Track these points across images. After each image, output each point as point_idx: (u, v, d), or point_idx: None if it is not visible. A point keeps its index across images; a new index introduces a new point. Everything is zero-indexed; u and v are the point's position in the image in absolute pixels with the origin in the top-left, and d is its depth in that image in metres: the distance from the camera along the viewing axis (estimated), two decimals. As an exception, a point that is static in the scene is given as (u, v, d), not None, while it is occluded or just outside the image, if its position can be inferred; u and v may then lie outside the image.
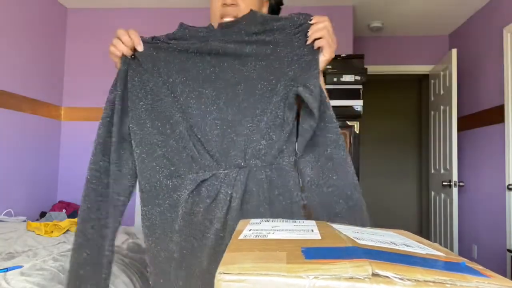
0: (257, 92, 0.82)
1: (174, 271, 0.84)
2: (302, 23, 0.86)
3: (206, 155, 0.82)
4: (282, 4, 1.08)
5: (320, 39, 0.83)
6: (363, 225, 0.71)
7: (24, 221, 2.63)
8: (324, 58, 0.84)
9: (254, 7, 0.92)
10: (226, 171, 0.81)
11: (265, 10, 1.02)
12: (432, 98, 4.06)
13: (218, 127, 0.82)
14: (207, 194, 0.81)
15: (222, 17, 0.92)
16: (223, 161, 0.81)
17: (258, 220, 0.59)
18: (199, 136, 0.82)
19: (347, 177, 0.82)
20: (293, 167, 0.83)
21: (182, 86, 0.85)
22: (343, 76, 2.70)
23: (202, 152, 0.82)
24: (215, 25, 0.90)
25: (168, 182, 0.84)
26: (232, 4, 0.92)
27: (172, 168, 0.84)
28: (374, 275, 0.33)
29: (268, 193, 0.80)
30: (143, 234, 0.89)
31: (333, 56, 0.84)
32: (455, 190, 3.33)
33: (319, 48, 0.84)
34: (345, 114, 2.71)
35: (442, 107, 3.71)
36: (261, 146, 0.81)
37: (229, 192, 0.79)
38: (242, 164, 0.80)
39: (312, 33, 0.84)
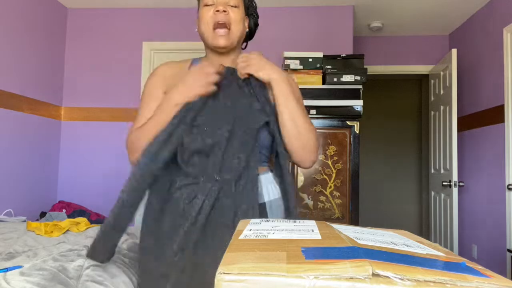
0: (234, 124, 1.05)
1: (152, 245, 1.08)
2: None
3: (190, 168, 1.05)
4: (257, 25, 1.26)
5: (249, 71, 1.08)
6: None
7: (24, 221, 2.63)
8: (274, 85, 1.06)
9: (240, 18, 1.13)
10: (205, 182, 1.02)
11: (246, 24, 1.19)
12: (432, 98, 4.07)
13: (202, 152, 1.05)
14: (186, 196, 1.03)
15: (214, 24, 1.10)
16: (204, 175, 1.03)
17: (258, 220, 0.59)
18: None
19: (292, 195, 1.09)
20: (256, 180, 1.03)
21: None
22: (343, 76, 2.70)
23: (189, 166, 1.05)
24: (206, 30, 1.11)
25: (166, 180, 1.07)
26: (224, 11, 1.09)
27: (170, 171, 1.07)
28: (374, 275, 0.33)
29: (234, 198, 1.00)
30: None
31: (271, 75, 1.06)
32: (455, 190, 3.33)
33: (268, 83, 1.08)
34: (345, 114, 2.72)
35: (442, 107, 3.72)
36: (231, 165, 1.01)
37: (203, 198, 1.00)
38: (217, 178, 1.01)
39: (242, 75, 1.09)
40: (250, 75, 1.09)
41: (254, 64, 1.06)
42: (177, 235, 1.01)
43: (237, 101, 1.06)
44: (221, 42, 1.10)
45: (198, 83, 1.03)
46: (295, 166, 2.67)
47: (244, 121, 1.04)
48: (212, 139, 1.02)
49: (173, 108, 1.03)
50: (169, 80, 1.13)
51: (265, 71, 1.06)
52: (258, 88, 1.08)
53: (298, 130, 1.06)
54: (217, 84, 1.06)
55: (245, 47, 1.27)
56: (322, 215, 2.77)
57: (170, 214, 1.05)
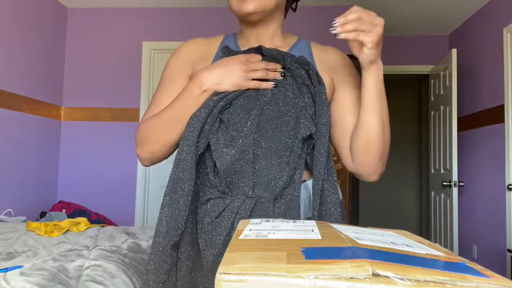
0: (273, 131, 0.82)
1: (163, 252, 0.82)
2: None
3: (217, 178, 0.82)
4: None
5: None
6: None
7: (24, 221, 2.63)
8: (372, 73, 0.78)
9: None
10: (233, 197, 0.79)
11: None
12: (432, 98, 4.07)
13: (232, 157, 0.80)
14: (209, 213, 0.80)
15: None
16: (234, 188, 0.79)
17: (258, 220, 0.59)
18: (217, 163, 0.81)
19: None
20: (298, 199, 0.80)
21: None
22: (343, 76, 2.70)
23: (216, 175, 0.82)
24: (236, 6, 0.84)
25: (189, 189, 0.82)
26: None
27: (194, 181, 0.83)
28: (374, 275, 0.33)
29: None
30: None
31: (377, 57, 0.76)
32: (455, 190, 3.33)
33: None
34: (345, 114, 2.71)
35: (442, 107, 3.72)
36: (268, 177, 0.78)
37: (231, 220, 0.77)
38: (250, 193, 0.78)
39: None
40: (307, 62, 0.84)
41: (372, 31, 0.71)
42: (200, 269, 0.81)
43: (278, 95, 0.81)
44: (249, 6, 0.82)
45: (238, 72, 0.80)
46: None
47: (283, 123, 0.80)
48: (239, 141, 0.78)
49: (200, 94, 0.80)
50: (196, 63, 0.91)
51: (379, 47, 0.73)
52: (316, 79, 0.82)
53: (382, 137, 0.80)
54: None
55: (296, 8, 0.99)
56: (322, 215, 2.77)
57: (189, 235, 0.82)
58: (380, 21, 0.71)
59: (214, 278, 0.77)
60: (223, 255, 0.76)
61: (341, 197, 0.89)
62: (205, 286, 0.80)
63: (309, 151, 0.81)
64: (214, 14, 3.55)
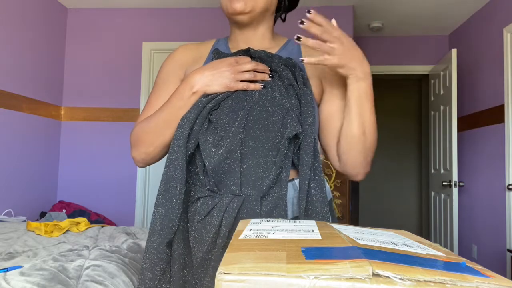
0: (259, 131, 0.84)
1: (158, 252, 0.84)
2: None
3: (207, 179, 0.84)
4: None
5: None
6: None
7: (24, 221, 2.63)
8: (352, 83, 0.82)
9: None
10: (222, 196, 0.81)
11: None
12: (432, 98, 4.07)
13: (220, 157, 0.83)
14: (199, 211, 0.83)
15: None
16: (222, 187, 0.82)
17: (258, 220, 0.59)
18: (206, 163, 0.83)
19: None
20: (285, 198, 0.81)
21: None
22: (343, 76, 2.70)
23: (205, 174, 0.85)
24: (225, 4, 0.87)
25: (181, 188, 0.84)
26: None
27: (186, 180, 0.86)
28: (375, 275, 0.33)
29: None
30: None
31: (354, 72, 0.80)
32: (455, 190, 3.33)
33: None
34: (345, 114, 2.71)
35: (442, 107, 3.72)
36: (255, 176, 0.80)
37: (220, 217, 0.79)
38: (237, 192, 0.80)
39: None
40: (294, 64, 0.85)
41: (338, 51, 0.77)
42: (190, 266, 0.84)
43: (266, 96, 0.83)
44: (237, 5, 0.85)
45: (227, 73, 0.83)
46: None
47: (270, 123, 0.82)
48: (226, 140, 0.80)
49: (190, 96, 0.83)
50: (188, 67, 0.94)
51: (350, 64, 0.78)
52: (301, 80, 0.85)
53: (363, 140, 0.83)
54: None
55: (284, 18, 1.02)
56: (322, 215, 2.76)
57: (181, 233, 0.85)
58: (336, 33, 0.80)
59: (203, 274, 0.81)
60: (212, 252, 0.79)
61: (330, 196, 0.91)
62: (195, 283, 0.83)
63: (295, 150, 0.83)
64: (214, 14, 3.55)
